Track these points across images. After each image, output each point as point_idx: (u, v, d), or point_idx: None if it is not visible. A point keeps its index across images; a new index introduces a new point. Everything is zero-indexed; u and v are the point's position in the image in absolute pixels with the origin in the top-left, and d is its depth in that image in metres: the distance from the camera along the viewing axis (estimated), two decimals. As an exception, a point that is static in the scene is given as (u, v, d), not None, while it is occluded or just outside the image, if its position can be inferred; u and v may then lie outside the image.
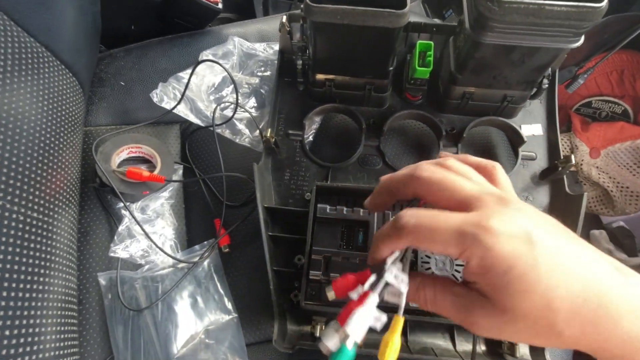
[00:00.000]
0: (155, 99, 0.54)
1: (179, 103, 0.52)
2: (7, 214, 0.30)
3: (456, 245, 0.22)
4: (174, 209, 0.55)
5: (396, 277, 0.27)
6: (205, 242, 0.53)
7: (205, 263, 0.51)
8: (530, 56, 0.43)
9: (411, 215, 0.24)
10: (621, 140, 0.65)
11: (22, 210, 0.32)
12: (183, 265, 0.50)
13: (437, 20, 0.79)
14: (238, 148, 0.57)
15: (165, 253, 0.49)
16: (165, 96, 0.53)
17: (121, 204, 0.51)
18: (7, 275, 0.31)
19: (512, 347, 0.42)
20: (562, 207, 0.49)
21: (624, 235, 0.70)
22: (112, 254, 0.47)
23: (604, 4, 0.37)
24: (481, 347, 0.46)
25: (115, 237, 0.48)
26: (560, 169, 0.49)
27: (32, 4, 0.38)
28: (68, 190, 0.43)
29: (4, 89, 0.33)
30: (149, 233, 0.51)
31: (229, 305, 0.49)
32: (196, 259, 0.50)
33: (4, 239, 0.30)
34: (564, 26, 0.38)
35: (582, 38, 0.41)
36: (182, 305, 0.47)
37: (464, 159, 0.29)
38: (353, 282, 0.29)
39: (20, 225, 0.32)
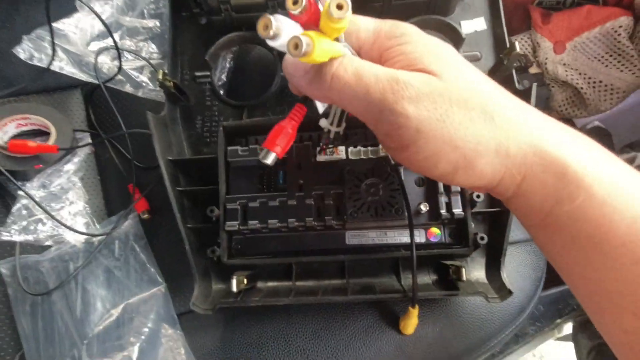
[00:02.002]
0: (22, 56, 0.46)
1: (53, 59, 0.45)
2: None
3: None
4: (85, 181, 0.49)
5: None
6: (123, 212, 0.47)
7: (124, 233, 0.45)
8: None
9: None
10: (588, 27, 0.56)
11: None
12: (99, 239, 0.45)
13: None
14: (143, 102, 0.50)
15: (71, 229, 0.43)
16: (34, 52, 0.46)
17: (14, 184, 0.45)
18: None
19: (457, 270, 0.36)
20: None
21: (602, 135, 0.62)
22: (4, 238, 0.42)
23: None
24: (430, 277, 0.41)
25: (8, 220, 0.43)
26: (505, 62, 0.41)
27: None
28: None
29: None
30: (57, 210, 0.45)
31: (156, 275, 0.44)
32: (108, 231, 0.44)
33: None
34: None
35: None
36: (98, 282, 0.42)
37: None
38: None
39: None
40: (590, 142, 0.24)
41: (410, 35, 0.24)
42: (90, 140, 0.50)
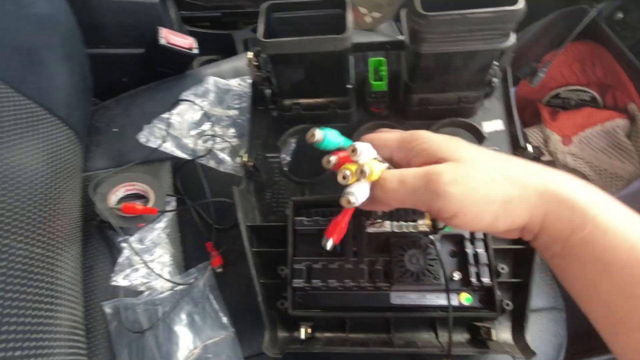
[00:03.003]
0: (142, 140, 0.59)
1: (164, 141, 0.58)
2: (12, 250, 0.35)
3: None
4: (170, 237, 0.60)
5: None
6: (201, 265, 0.57)
7: (201, 284, 0.55)
8: (469, 59, 0.47)
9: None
10: (590, 125, 0.67)
11: (26, 247, 0.37)
12: (181, 288, 0.54)
13: (400, 37, 0.83)
14: (223, 176, 0.61)
15: (162, 277, 0.53)
16: (151, 136, 0.59)
17: (121, 238, 0.56)
18: (15, 305, 0.35)
19: (488, 331, 0.44)
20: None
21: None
22: (113, 283, 0.52)
23: (521, 6, 0.40)
24: (464, 336, 0.48)
25: (115, 268, 0.53)
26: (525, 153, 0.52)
27: (26, 72, 0.44)
28: (69, 228, 0.48)
29: (4, 145, 0.38)
30: (148, 261, 0.55)
31: (225, 322, 0.52)
32: (191, 281, 0.54)
33: (11, 272, 0.34)
34: (490, 29, 0.42)
35: (513, 36, 0.44)
36: (181, 324, 0.51)
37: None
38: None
39: (25, 260, 0.37)
40: (593, 187, 0.29)
41: (426, 137, 0.32)
42: (175, 204, 0.62)
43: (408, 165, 0.33)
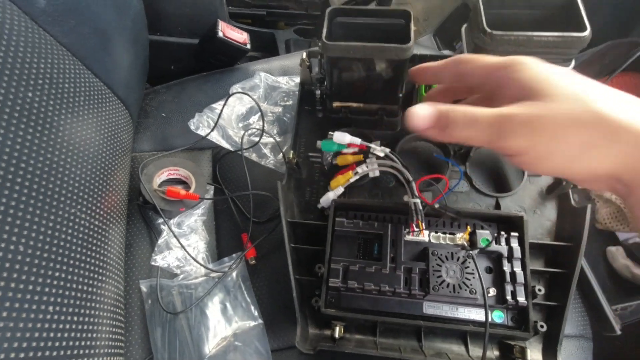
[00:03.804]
0: (192, 127, 0.61)
1: (212, 130, 0.59)
2: (77, 219, 0.37)
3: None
4: (205, 224, 0.61)
5: None
6: (234, 255, 0.58)
7: (234, 273, 0.56)
8: (525, 80, 0.48)
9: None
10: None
11: (88, 218, 0.39)
12: (214, 275, 0.55)
13: (446, 52, 0.85)
14: (263, 170, 0.63)
15: (199, 263, 0.54)
16: (200, 124, 0.61)
17: (161, 220, 0.57)
18: (72, 276, 0.36)
19: (522, 350, 0.44)
20: (570, 220, 0.52)
21: (642, 251, 0.70)
22: (153, 263, 0.53)
23: (587, 33, 0.41)
24: (494, 353, 0.48)
25: (156, 248, 0.54)
26: (564, 183, 0.52)
27: (97, 50, 0.46)
28: (119, 205, 0.50)
29: (77, 119, 0.40)
30: (184, 246, 0.56)
31: (255, 313, 0.53)
32: (226, 270, 0.55)
33: (73, 241, 0.36)
34: (553, 53, 0.43)
35: (573, 62, 0.45)
36: (213, 310, 0.52)
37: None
38: None
39: (85, 231, 0.38)
40: None
41: (522, 64, 0.28)
42: (212, 192, 0.63)
43: (491, 95, 0.30)
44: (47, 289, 0.32)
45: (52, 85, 0.37)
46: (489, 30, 0.42)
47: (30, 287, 0.30)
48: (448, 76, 0.35)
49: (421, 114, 0.31)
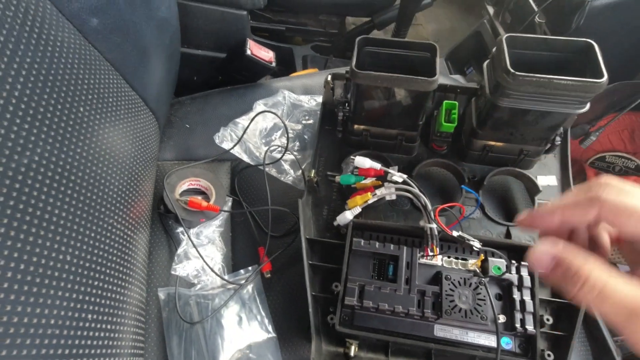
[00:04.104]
0: (217, 140, 0.63)
1: (236, 144, 0.61)
2: (114, 230, 0.38)
3: None
4: (222, 236, 0.62)
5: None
6: (250, 268, 0.59)
7: (250, 286, 0.57)
8: (542, 118, 0.50)
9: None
10: (634, 193, 0.69)
11: (122, 227, 0.40)
12: (230, 287, 0.56)
13: (460, 80, 0.87)
14: (282, 185, 0.64)
15: (217, 275, 0.55)
16: (224, 138, 0.63)
17: (180, 229, 0.59)
18: (107, 285, 0.38)
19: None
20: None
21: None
22: (173, 272, 0.54)
23: (604, 80, 0.44)
24: (502, 379, 0.49)
25: (176, 258, 0.55)
26: (573, 217, 0.54)
27: (137, 66, 0.48)
28: (145, 214, 0.51)
29: (117, 131, 0.42)
30: (203, 256, 0.58)
31: (269, 326, 0.55)
32: (242, 282, 0.56)
33: (111, 250, 0.37)
34: (571, 96, 0.46)
35: (588, 105, 0.48)
36: (229, 321, 0.53)
37: None
38: None
39: (121, 240, 0.39)
40: None
41: (609, 184, 0.24)
42: (230, 204, 0.64)
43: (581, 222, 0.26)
44: (87, 297, 0.33)
45: (99, 99, 0.39)
46: (512, 70, 0.44)
47: (74, 296, 0.31)
48: (584, 220, 0.26)
49: (539, 257, 0.26)
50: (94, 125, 0.37)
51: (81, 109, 0.35)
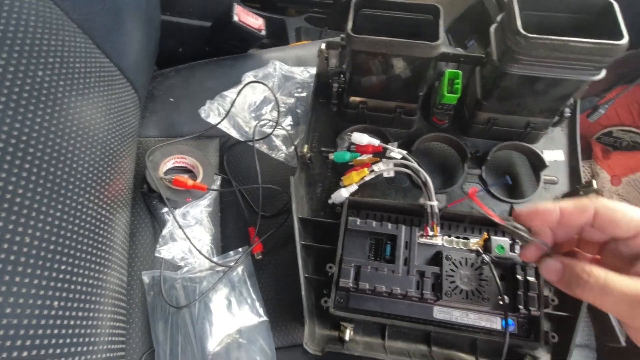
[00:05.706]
0: (202, 115, 0.59)
1: (223, 119, 0.57)
2: (84, 209, 0.35)
3: None
4: (211, 216, 0.59)
5: None
6: (240, 249, 0.56)
7: (240, 268, 0.54)
8: (553, 86, 0.46)
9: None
10: (642, 169, 0.67)
11: (95, 207, 0.37)
12: (219, 269, 0.54)
13: (461, 50, 0.83)
14: (273, 162, 0.61)
15: (205, 257, 0.52)
16: (211, 112, 0.58)
17: (165, 209, 0.55)
18: (77, 269, 0.34)
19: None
20: (584, 231, 0.51)
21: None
22: (157, 254, 0.51)
23: (625, 41, 0.40)
24: (502, 362, 0.47)
25: (160, 240, 0.52)
26: (581, 193, 0.51)
27: (109, 29, 0.43)
28: (124, 193, 0.48)
29: (87, 101, 0.38)
30: (190, 238, 0.54)
31: (260, 309, 0.52)
32: (232, 264, 0.53)
33: (81, 231, 0.34)
34: (587, 60, 0.42)
35: (604, 71, 0.44)
36: (218, 305, 0.50)
37: None
38: None
39: (93, 221, 0.36)
40: None
41: (614, 208, 0.28)
42: (219, 183, 0.61)
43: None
44: (52, 283, 0.30)
45: (63, 64, 0.34)
46: (524, 32, 0.40)
47: (36, 281, 0.28)
48: (581, 221, 0.30)
49: (551, 268, 0.31)
50: (57, 93, 0.33)
51: (39, 73, 0.31)
